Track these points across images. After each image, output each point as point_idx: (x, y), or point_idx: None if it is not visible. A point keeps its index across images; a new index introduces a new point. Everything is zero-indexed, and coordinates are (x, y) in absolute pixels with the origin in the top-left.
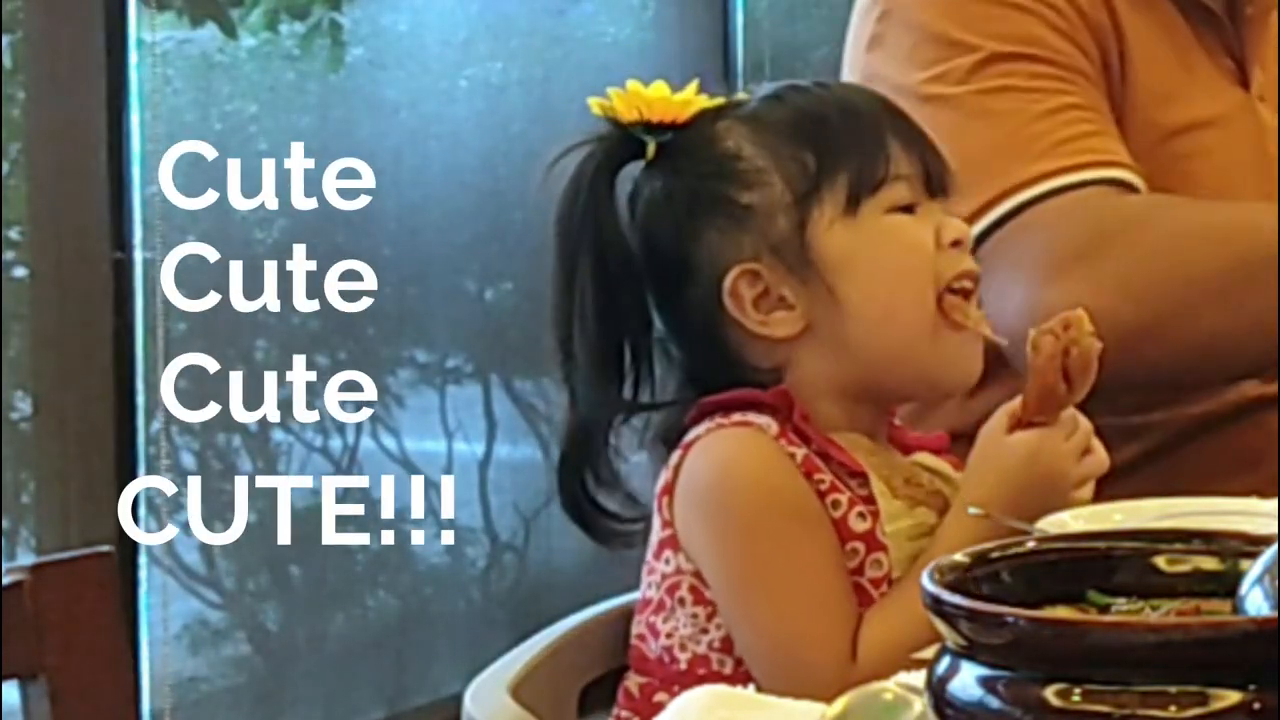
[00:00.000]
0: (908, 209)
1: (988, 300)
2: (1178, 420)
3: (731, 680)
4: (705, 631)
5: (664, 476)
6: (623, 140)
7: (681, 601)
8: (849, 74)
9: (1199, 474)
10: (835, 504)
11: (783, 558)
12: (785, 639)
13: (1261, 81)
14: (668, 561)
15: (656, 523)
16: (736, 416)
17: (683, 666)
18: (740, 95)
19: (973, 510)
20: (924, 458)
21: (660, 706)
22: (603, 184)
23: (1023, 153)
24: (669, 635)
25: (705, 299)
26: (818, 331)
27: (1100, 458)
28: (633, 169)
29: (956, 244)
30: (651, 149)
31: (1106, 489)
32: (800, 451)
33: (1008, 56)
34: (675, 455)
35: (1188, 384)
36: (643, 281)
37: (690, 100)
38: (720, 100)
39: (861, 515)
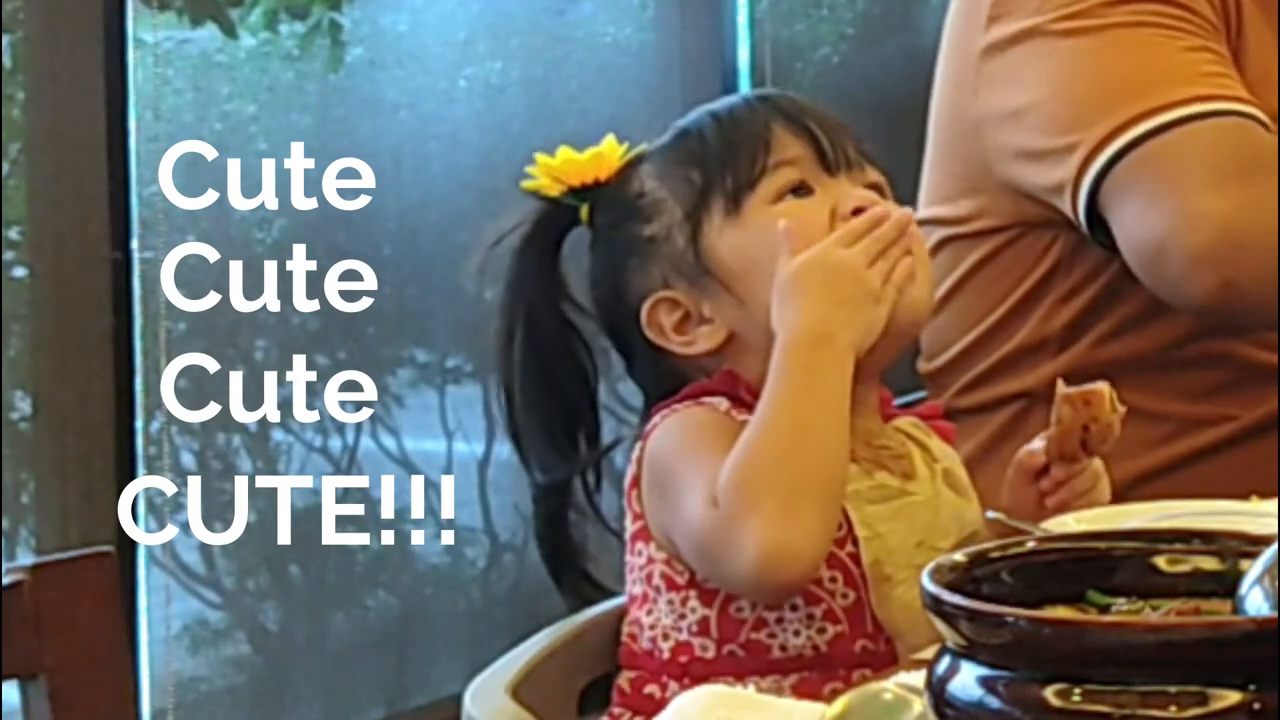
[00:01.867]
0: (798, 192)
1: (1134, 211)
2: (1246, 415)
3: (714, 665)
4: (683, 616)
5: (630, 472)
6: (558, 212)
7: (658, 589)
8: (951, 65)
9: (1258, 476)
10: None
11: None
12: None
13: None
14: (640, 553)
15: (628, 519)
16: (688, 402)
17: (666, 656)
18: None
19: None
20: (903, 422)
21: (650, 698)
22: (538, 262)
23: (1170, 77)
24: (652, 627)
25: (642, 336)
26: (742, 334)
27: (905, 264)
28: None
29: (858, 212)
30: (585, 213)
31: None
32: None
33: None
34: (636, 449)
35: None
36: (578, 350)
37: (602, 155)
38: (643, 148)
39: None
